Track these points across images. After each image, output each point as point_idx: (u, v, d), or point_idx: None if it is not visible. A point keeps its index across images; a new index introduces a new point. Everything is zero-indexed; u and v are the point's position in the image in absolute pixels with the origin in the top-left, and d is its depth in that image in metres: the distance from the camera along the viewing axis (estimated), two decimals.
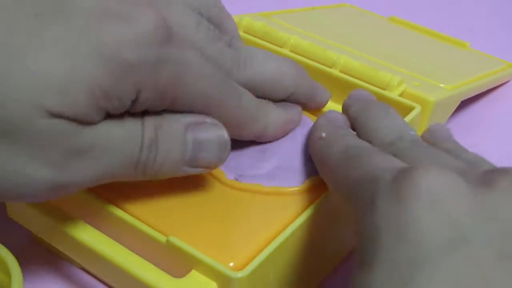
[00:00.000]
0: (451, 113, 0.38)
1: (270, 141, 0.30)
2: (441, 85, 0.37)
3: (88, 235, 0.26)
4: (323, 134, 0.28)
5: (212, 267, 0.25)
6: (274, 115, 0.29)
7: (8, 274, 0.25)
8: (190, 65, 0.24)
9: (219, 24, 0.30)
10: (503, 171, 0.21)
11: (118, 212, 0.27)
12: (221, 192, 0.28)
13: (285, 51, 0.36)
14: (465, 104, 0.41)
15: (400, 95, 0.34)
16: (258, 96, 0.29)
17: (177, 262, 0.25)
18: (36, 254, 0.31)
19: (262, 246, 0.26)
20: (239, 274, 0.24)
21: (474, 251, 0.18)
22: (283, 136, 0.31)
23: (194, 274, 0.25)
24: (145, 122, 0.24)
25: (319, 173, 0.28)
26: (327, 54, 0.36)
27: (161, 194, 0.28)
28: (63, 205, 0.28)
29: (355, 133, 0.28)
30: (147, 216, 0.27)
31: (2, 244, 0.25)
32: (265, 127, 0.29)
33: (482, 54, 0.45)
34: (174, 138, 0.24)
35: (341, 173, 0.24)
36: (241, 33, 0.38)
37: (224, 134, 0.26)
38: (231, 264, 0.25)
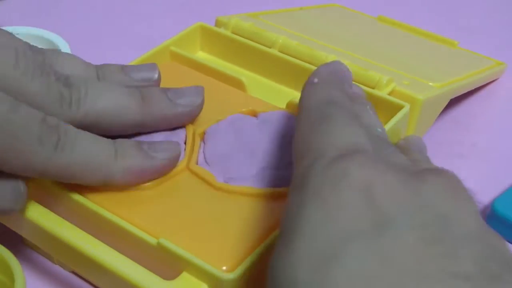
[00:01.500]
0: (440, 111, 0.38)
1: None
2: (430, 83, 0.37)
3: (78, 238, 0.26)
4: (315, 80, 0.27)
5: (203, 269, 0.24)
6: (127, 162, 0.27)
7: (10, 277, 0.25)
8: None
9: (52, 61, 0.28)
10: (437, 170, 0.21)
11: (109, 215, 0.27)
12: (211, 195, 0.28)
13: (274, 51, 0.36)
14: (454, 101, 0.41)
15: (389, 94, 0.34)
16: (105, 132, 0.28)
17: (168, 264, 0.25)
18: (26, 257, 0.31)
19: (253, 248, 0.26)
20: (230, 276, 0.24)
21: (398, 235, 0.18)
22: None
23: (185, 276, 0.25)
24: None
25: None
26: (316, 54, 0.36)
27: (152, 197, 0.28)
28: (54, 208, 0.28)
29: (350, 83, 0.28)
30: (138, 219, 0.27)
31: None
32: (109, 176, 0.27)
33: (470, 52, 0.45)
34: None
35: (306, 128, 0.24)
36: (229, 33, 0.38)
37: (18, 185, 0.25)
38: (224, 267, 0.25)
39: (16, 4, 0.50)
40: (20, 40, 0.27)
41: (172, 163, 0.28)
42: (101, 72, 0.30)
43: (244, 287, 0.25)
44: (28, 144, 0.24)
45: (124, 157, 0.27)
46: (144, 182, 0.28)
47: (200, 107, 0.30)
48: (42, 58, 0.27)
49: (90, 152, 0.26)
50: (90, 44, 0.45)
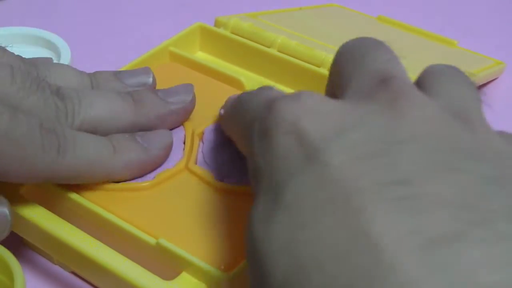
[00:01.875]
0: None
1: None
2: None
3: (78, 239, 0.26)
4: (221, 111, 0.28)
5: (202, 269, 0.25)
6: (126, 156, 0.28)
7: (9, 277, 0.25)
8: None
9: (45, 73, 0.29)
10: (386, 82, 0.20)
11: (108, 215, 0.27)
12: (210, 194, 0.28)
13: (273, 51, 0.36)
14: None
15: None
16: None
17: (167, 264, 0.25)
18: (26, 258, 0.31)
19: None
20: (229, 275, 0.24)
21: (326, 164, 0.18)
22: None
23: (184, 276, 0.25)
24: None
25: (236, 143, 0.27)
26: (315, 54, 0.36)
27: (151, 197, 0.28)
28: (53, 209, 0.28)
29: None
30: (137, 219, 0.27)
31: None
32: (111, 171, 0.27)
33: (470, 52, 0.45)
34: None
35: (235, 124, 0.25)
36: (228, 33, 0.38)
37: (4, 211, 0.26)
38: (223, 267, 0.25)
39: (16, 4, 0.50)
40: (12, 54, 0.28)
41: (167, 152, 0.29)
42: (95, 80, 0.30)
43: (243, 287, 0.25)
44: (32, 151, 0.25)
45: (122, 151, 0.28)
46: (145, 174, 0.28)
47: (192, 103, 0.31)
48: (36, 72, 0.28)
49: (91, 151, 0.27)
50: (89, 44, 0.45)
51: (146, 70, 0.31)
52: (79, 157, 0.26)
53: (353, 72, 0.22)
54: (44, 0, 0.51)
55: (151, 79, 0.31)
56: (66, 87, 0.28)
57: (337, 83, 0.23)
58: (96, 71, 0.31)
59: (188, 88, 0.31)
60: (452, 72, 0.23)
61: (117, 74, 0.31)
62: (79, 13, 0.50)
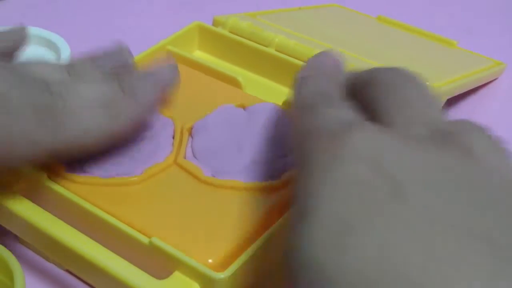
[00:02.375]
0: None
1: None
2: (428, 83, 0.36)
3: (70, 237, 0.26)
4: (305, 73, 0.27)
5: (195, 268, 0.25)
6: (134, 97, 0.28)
7: (9, 276, 0.25)
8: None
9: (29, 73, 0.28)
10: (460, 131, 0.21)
11: (101, 213, 0.27)
12: (200, 190, 0.28)
13: (271, 50, 0.36)
14: (453, 101, 0.41)
15: None
16: None
17: (160, 263, 0.25)
18: (22, 256, 0.31)
19: (242, 242, 0.26)
20: (222, 275, 0.24)
21: (414, 201, 0.18)
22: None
23: (177, 275, 0.25)
24: None
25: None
26: (314, 53, 0.35)
27: (140, 192, 0.28)
28: (45, 206, 0.28)
29: (333, 78, 0.27)
30: (127, 215, 0.27)
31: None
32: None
33: (469, 52, 0.45)
34: None
35: (296, 121, 0.24)
36: (227, 32, 0.38)
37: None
38: (210, 260, 0.25)
39: (16, 4, 0.50)
40: None
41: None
42: (72, 70, 0.29)
43: (236, 286, 0.25)
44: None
45: (132, 94, 0.28)
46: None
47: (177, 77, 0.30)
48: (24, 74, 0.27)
49: (97, 90, 0.27)
50: (89, 43, 0.45)
51: (122, 50, 0.31)
52: (88, 96, 0.27)
53: (397, 109, 0.23)
54: (45, 0, 0.51)
55: (130, 59, 0.30)
56: (52, 83, 0.27)
57: (371, 107, 0.23)
58: (71, 60, 0.30)
59: (172, 66, 0.30)
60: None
61: (94, 59, 0.30)
62: (79, 13, 0.50)
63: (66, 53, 0.40)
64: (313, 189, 0.20)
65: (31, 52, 0.41)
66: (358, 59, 0.38)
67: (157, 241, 0.25)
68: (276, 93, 0.35)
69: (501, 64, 0.44)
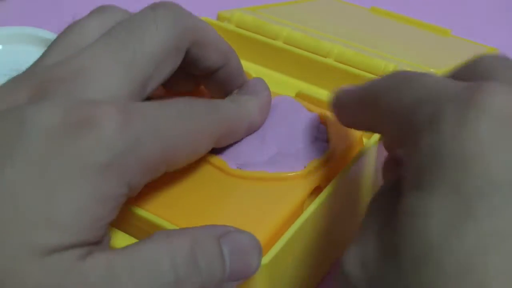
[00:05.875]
0: None
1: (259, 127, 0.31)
2: (431, 69, 0.38)
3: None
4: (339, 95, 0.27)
5: None
6: (250, 104, 0.29)
7: None
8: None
9: None
10: None
11: (137, 210, 0.27)
12: (226, 182, 0.28)
13: (279, 43, 0.37)
14: None
15: None
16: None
17: None
18: None
19: (273, 231, 0.26)
20: (262, 261, 0.25)
21: None
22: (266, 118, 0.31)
23: None
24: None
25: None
26: (321, 44, 0.36)
27: (168, 190, 0.28)
28: None
29: None
30: (158, 210, 0.27)
31: None
32: (249, 118, 0.29)
33: (464, 40, 0.46)
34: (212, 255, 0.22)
35: (389, 100, 0.22)
36: (234, 27, 0.38)
37: (253, 236, 0.24)
38: None
39: (16, 4, 0.50)
40: None
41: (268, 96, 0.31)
42: None
43: (273, 272, 0.25)
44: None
45: (246, 103, 0.29)
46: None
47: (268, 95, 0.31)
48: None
49: (233, 106, 0.29)
50: None
51: None
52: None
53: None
54: (44, 0, 0.51)
55: None
56: None
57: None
58: None
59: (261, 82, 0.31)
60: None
61: None
62: (78, 13, 0.50)
63: None
64: (438, 161, 0.18)
65: (27, 51, 0.41)
66: (360, 48, 0.38)
67: None
68: (286, 85, 0.36)
69: (494, 50, 0.45)
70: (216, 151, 0.30)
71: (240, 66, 0.31)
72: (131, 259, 0.21)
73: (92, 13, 0.28)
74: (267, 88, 0.31)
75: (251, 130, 0.30)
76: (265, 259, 0.25)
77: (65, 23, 0.48)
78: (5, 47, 0.42)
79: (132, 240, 0.26)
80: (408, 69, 0.36)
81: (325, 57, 0.36)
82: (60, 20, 0.48)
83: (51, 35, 0.41)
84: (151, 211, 0.27)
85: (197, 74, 0.30)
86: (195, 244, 0.22)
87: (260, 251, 0.24)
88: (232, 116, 0.28)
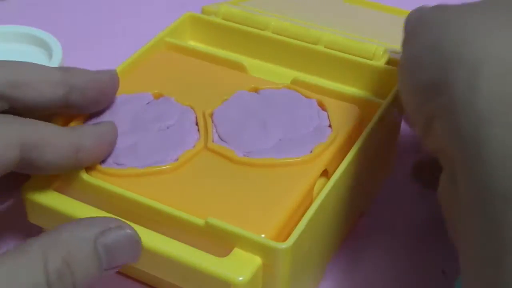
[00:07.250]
0: None
1: None
2: None
3: None
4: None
5: (256, 242, 0.25)
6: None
7: None
8: None
9: None
10: None
11: (152, 203, 0.27)
12: (236, 170, 0.28)
13: (268, 33, 0.37)
14: None
15: (386, 64, 0.35)
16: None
17: (217, 243, 0.26)
18: None
19: (287, 215, 0.26)
20: (283, 245, 0.25)
21: None
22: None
23: (238, 252, 0.25)
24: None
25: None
26: (311, 32, 0.36)
27: (177, 178, 0.28)
28: (98, 204, 0.28)
29: None
30: (172, 203, 0.27)
31: None
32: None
33: None
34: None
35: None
36: (221, 20, 0.38)
37: (132, 232, 0.25)
38: (262, 235, 0.25)
39: (16, 4, 0.50)
40: None
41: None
42: None
43: (295, 256, 0.26)
44: None
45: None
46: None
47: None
48: None
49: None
50: (89, 43, 0.46)
51: None
52: None
53: None
54: (44, 0, 0.50)
55: None
56: None
57: None
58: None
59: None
60: None
61: None
62: (79, 13, 0.50)
63: (57, 52, 0.40)
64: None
65: (22, 51, 0.41)
66: (348, 34, 0.38)
67: (214, 221, 0.25)
68: (279, 74, 0.36)
69: None
70: (221, 140, 0.30)
71: None
72: None
73: None
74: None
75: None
76: (289, 242, 0.25)
77: (64, 23, 0.48)
78: (0, 46, 0.42)
79: (149, 232, 0.26)
80: (396, 52, 0.37)
81: (316, 44, 0.36)
82: (60, 20, 0.48)
83: (44, 34, 0.41)
84: (166, 204, 0.27)
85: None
86: (67, 255, 0.23)
87: (137, 242, 0.25)
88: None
